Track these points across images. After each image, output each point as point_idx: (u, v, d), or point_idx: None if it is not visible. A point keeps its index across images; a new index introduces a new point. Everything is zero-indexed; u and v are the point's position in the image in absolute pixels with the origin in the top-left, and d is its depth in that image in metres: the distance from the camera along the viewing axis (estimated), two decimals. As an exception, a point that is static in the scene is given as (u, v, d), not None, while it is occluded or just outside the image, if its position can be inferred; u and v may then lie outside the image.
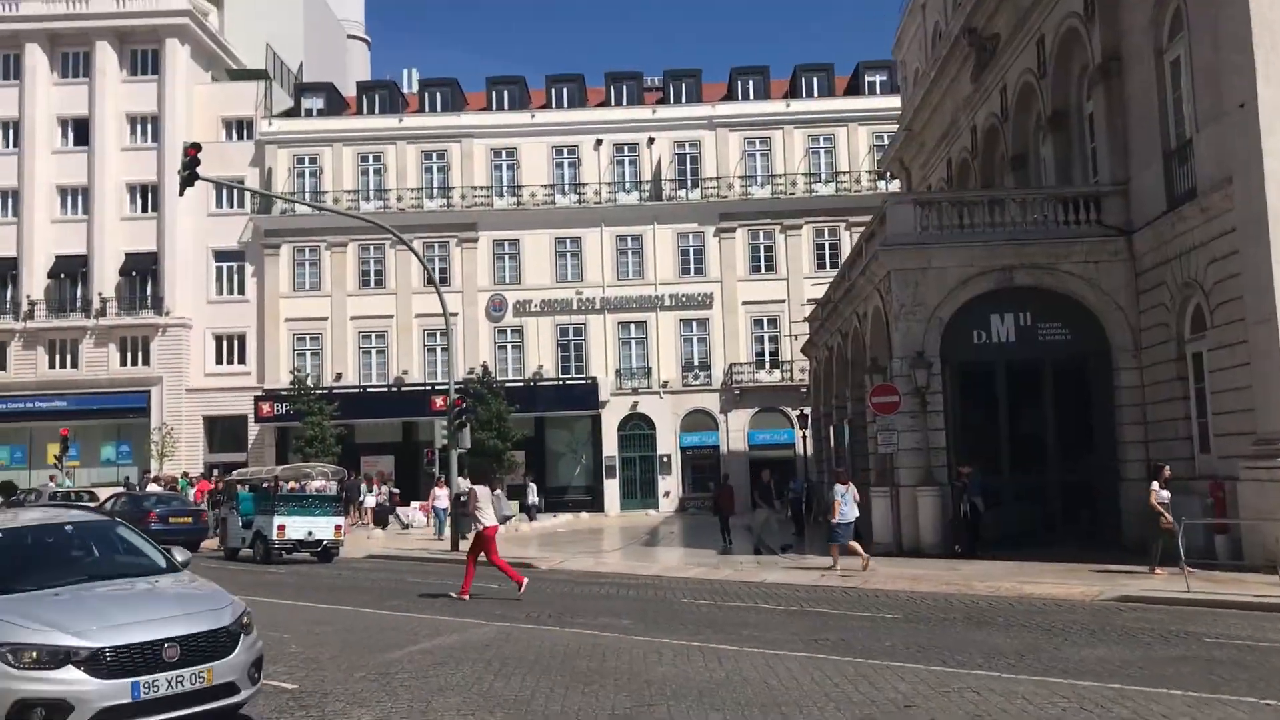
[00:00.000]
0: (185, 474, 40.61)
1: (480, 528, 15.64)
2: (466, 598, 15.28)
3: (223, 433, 46.96)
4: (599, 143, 47.74)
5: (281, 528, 22.98)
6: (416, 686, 9.22)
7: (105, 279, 46.78)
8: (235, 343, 47.13)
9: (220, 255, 47.48)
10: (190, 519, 27.44)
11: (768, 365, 46.61)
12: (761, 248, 47.35)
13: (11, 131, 48.17)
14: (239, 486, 26.98)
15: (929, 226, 22.03)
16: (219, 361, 47.12)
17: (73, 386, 46.30)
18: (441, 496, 28.55)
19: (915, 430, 21.30)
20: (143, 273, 47.05)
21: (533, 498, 37.40)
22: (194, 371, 46.82)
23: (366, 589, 17.73)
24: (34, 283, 46.87)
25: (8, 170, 47.69)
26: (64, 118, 48.28)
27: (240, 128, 48.63)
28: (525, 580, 15.69)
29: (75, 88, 48.26)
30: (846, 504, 19.09)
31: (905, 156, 39.86)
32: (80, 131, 48.16)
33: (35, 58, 48.00)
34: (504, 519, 17.02)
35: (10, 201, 47.82)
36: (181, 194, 23.09)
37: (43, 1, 48.59)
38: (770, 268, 47.18)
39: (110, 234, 47.11)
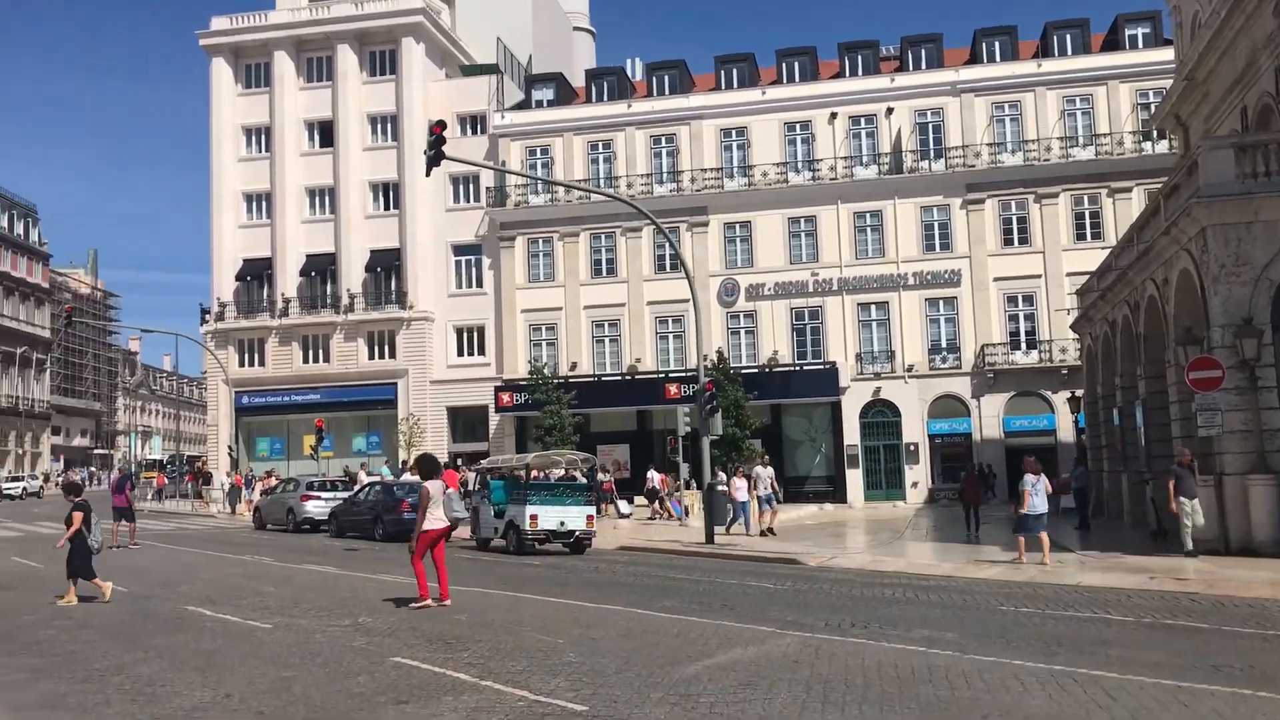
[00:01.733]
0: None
1: (431, 528, 13.83)
2: (428, 601, 13.63)
3: (465, 423, 47.66)
4: (834, 116, 45.57)
5: (534, 517, 22.23)
6: (730, 716, 7.72)
7: (352, 276, 48.25)
8: (475, 334, 47.72)
9: (458, 249, 48.15)
10: (441, 509, 27.23)
11: (1024, 345, 43.27)
12: (1014, 219, 44.01)
13: (263, 137, 50.40)
14: (489, 476, 26.53)
15: (1252, 174, 18.98)
16: (460, 353, 47.84)
17: (325, 380, 48.05)
18: (741, 488, 27.02)
19: (1242, 409, 18.42)
20: (386, 269, 48.32)
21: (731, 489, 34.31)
22: (436, 363, 47.69)
23: (631, 586, 16.53)
24: (287, 281, 48.87)
25: (261, 174, 49.95)
26: (310, 121, 50.14)
27: (474, 123, 49.13)
28: (430, 603, 13.60)
29: (320, 91, 50.04)
30: (1037, 495, 18.41)
31: (1183, 110, 35.75)
32: (325, 133, 49.86)
33: (283, 65, 50.00)
34: (454, 520, 14.88)
35: (264, 204, 50.06)
36: (428, 174, 22.77)
37: (289, 11, 50.62)
38: (1024, 240, 43.78)
39: (355, 232, 48.55)
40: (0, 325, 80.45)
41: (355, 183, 48.92)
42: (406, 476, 32.36)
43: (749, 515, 26.76)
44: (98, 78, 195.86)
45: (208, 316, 49.74)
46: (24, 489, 63.26)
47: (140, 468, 79.62)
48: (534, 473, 26.22)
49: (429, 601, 13.60)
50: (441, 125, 20.55)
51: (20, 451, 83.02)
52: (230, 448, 47.68)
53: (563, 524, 22.50)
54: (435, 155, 20.17)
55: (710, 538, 23.24)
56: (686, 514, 33.00)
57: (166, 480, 56.97)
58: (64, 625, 13.22)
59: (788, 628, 11.60)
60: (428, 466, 14.58)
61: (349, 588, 16.61)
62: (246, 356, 49.61)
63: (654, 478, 36.72)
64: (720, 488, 26.30)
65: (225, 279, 49.75)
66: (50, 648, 11.61)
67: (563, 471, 28.53)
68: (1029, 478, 18.57)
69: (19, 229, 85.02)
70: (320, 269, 48.92)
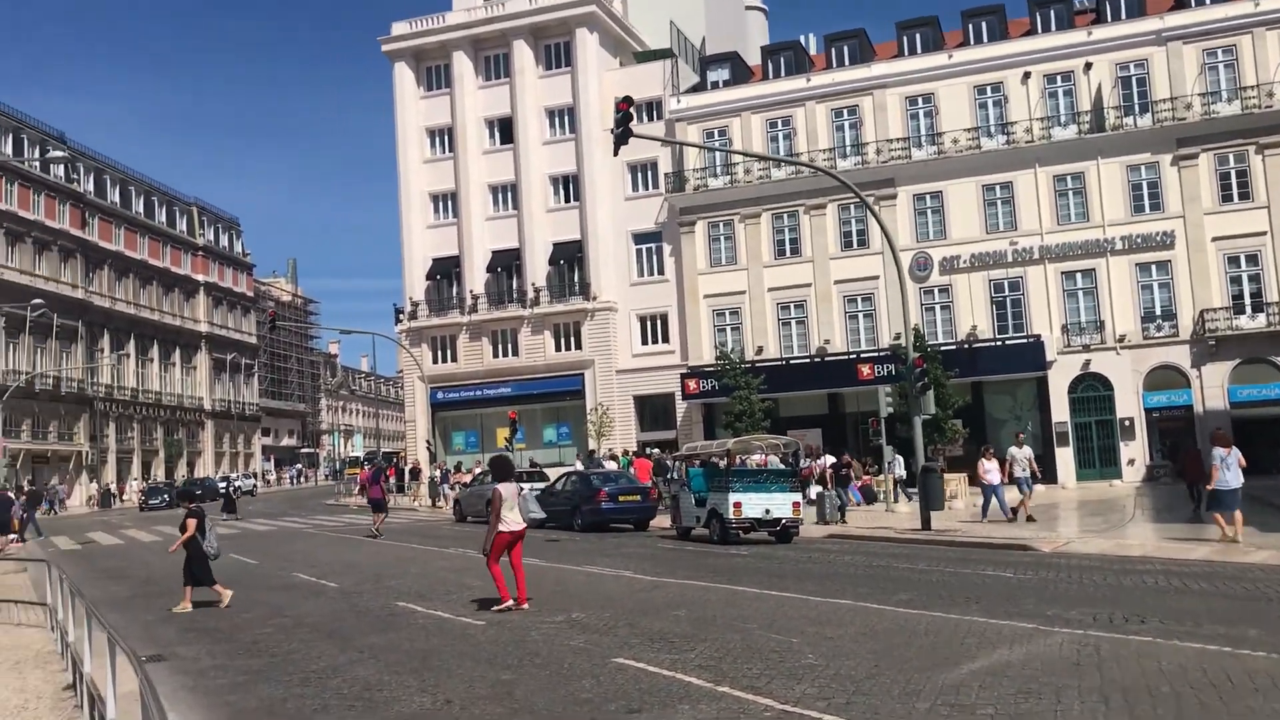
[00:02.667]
0: (626, 451, 40.91)
1: (507, 529, 13.13)
2: (509, 603, 13.00)
3: (652, 411, 47.29)
4: (1027, 76, 42.92)
5: (737, 505, 21.34)
6: (1020, 729, 6.65)
7: (536, 269, 48.51)
8: (658, 322, 47.25)
9: (639, 238, 47.74)
10: (638, 497, 26.81)
11: (1249, 309, 39.78)
12: (1232, 173, 40.44)
13: (446, 137, 51.24)
14: (689, 463, 25.83)
15: None
16: (644, 342, 47.46)
17: (514, 373, 48.51)
18: (991, 470, 24.72)
19: None
20: (569, 260, 48.38)
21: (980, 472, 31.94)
22: (622, 353, 47.46)
23: (854, 577, 15.43)
24: (475, 278, 49.56)
25: (446, 174, 50.81)
26: (490, 119, 50.63)
27: (650, 110, 48.41)
28: (511, 604, 13.03)
29: (498, 89, 50.45)
30: (1229, 469, 17.48)
31: None
32: (504, 130, 50.27)
33: (462, 65, 50.67)
34: (531, 521, 13.76)
35: (450, 204, 50.93)
36: (616, 153, 22.28)
37: (465, 11, 51.26)
38: (1245, 196, 40.18)
39: (538, 226, 48.79)
40: (213, 334, 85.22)
41: (536, 177, 49.15)
42: (609, 465, 32.12)
43: (1003, 500, 24.37)
44: (290, 92, 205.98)
45: (401, 316, 50.94)
46: (238, 488, 66.49)
47: (344, 465, 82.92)
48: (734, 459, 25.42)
49: (510, 603, 13.08)
50: (628, 101, 19.95)
51: (234, 451, 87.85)
52: (428, 442, 48.72)
53: (768, 511, 21.54)
54: (623, 133, 19.60)
55: (927, 523, 21.85)
56: (867, 500, 31.63)
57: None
58: (280, 624, 13.16)
59: (1051, 623, 10.34)
60: (500, 468, 14.09)
61: (556, 580, 16.15)
62: (439, 353, 50.62)
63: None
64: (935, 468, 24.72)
65: (416, 278, 50.84)
66: (268, 648, 11.47)
67: (760, 457, 27.61)
68: (1218, 451, 17.67)
69: (224, 241, 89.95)
70: (505, 264, 49.41)
